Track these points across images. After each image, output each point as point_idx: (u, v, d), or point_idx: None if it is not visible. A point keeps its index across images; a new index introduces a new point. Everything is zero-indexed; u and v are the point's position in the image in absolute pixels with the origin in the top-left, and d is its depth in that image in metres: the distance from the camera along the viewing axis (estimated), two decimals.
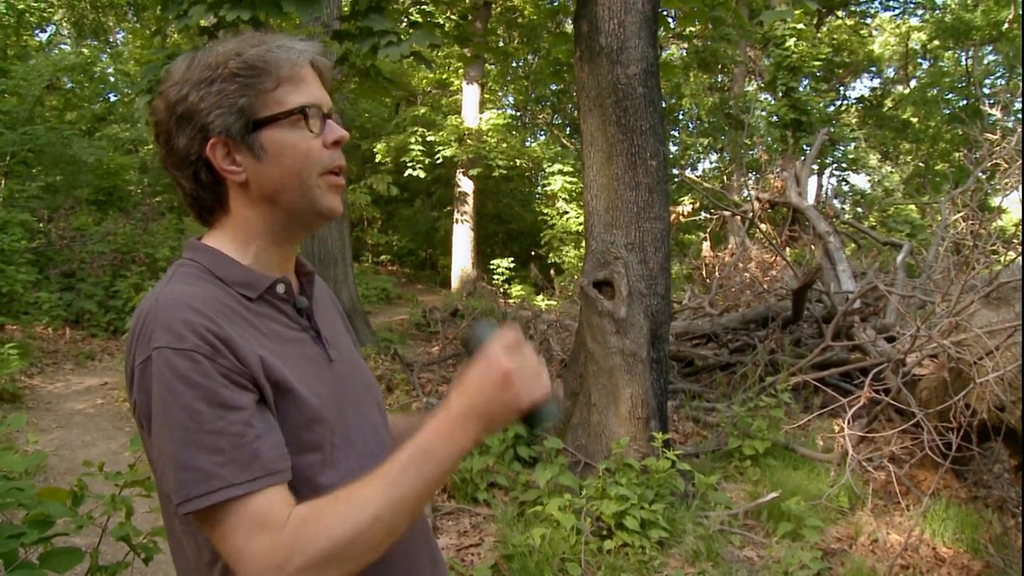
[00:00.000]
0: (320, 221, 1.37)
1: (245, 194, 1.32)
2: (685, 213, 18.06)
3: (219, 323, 1.18)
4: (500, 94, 26.41)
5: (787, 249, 13.92)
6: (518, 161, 20.54)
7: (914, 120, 27.95)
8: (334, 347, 1.42)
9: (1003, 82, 24.96)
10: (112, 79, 20.63)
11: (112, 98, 20.83)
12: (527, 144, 22.60)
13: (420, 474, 1.17)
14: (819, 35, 24.27)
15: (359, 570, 1.15)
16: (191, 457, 1.12)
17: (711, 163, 29.15)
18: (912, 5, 27.92)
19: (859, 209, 24.43)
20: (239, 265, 1.32)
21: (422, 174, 20.37)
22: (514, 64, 25.26)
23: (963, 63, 27.85)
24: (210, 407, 1.13)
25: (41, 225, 12.54)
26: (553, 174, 20.34)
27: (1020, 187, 8.54)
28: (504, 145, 19.78)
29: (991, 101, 23.21)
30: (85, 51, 20.91)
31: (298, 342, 1.34)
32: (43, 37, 23.26)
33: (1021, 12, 22.16)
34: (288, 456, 1.20)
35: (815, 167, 22.46)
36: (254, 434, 1.15)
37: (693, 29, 20.53)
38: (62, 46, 23.42)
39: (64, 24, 24.17)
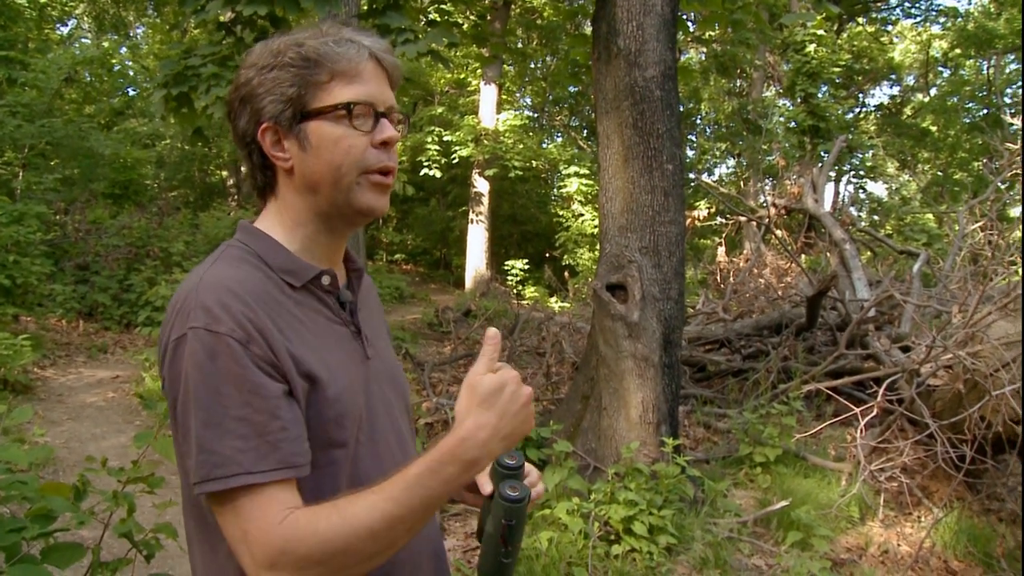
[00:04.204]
0: (360, 219, 1.37)
1: (291, 181, 1.34)
2: (701, 218, 17.98)
3: (256, 311, 1.20)
4: (518, 95, 26.40)
5: (802, 256, 13.83)
6: (534, 162, 20.53)
7: (933, 129, 27.78)
8: (372, 345, 1.42)
9: None
10: (131, 73, 20.71)
11: (131, 92, 20.92)
12: (544, 146, 22.56)
13: (424, 493, 1.16)
14: (839, 41, 24.17)
15: None
16: (214, 440, 1.14)
17: (728, 168, 29.08)
18: (934, 13, 27.81)
19: (876, 217, 24.26)
20: (287, 252, 1.33)
21: (438, 173, 20.39)
22: (532, 65, 25.26)
23: (984, 72, 27.65)
24: (239, 392, 1.14)
25: (57, 217, 12.60)
26: (569, 176, 20.32)
27: (1021, 199, 8.47)
28: (520, 146, 19.78)
29: (1012, 110, 23.02)
30: (105, 44, 20.99)
31: (336, 336, 1.35)
32: (64, 31, 23.40)
33: (1022, 15, 21.99)
34: (309, 452, 1.21)
35: (832, 174, 22.37)
36: (279, 425, 1.16)
37: (712, 33, 20.48)
38: (83, 40, 23.52)
39: (85, 18, 24.30)
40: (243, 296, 1.19)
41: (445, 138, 20.12)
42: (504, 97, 22.46)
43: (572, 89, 25.26)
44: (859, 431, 5.60)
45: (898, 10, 28.00)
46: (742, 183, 24.35)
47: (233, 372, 1.14)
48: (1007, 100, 25.68)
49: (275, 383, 1.17)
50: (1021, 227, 9.06)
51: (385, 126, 1.32)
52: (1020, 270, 7.41)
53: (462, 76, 23.41)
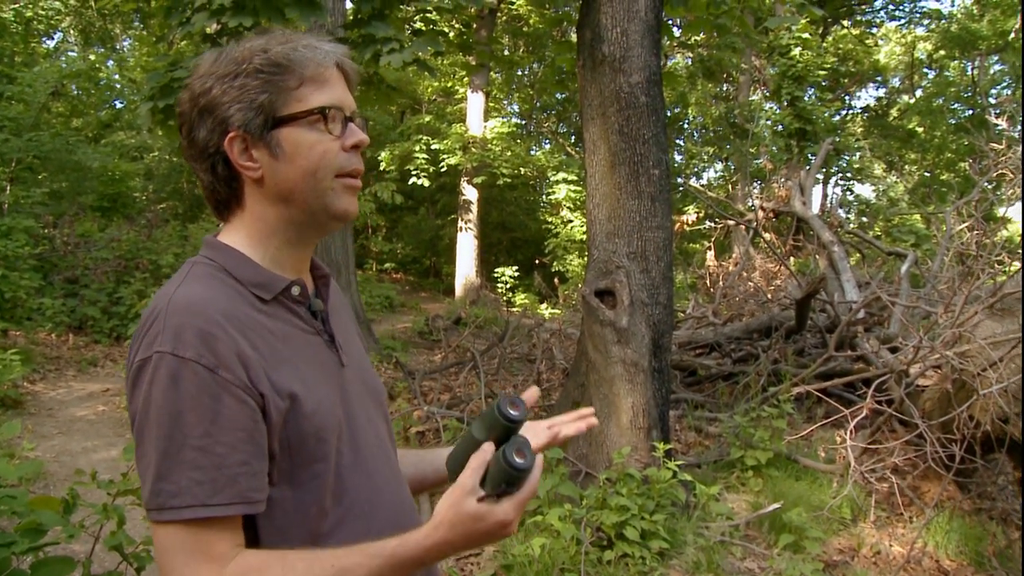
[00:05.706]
0: (334, 224, 1.35)
1: (260, 191, 1.31)
2: (690, 222, 18.04)
3: (230, 332, 1.17)
4: (505, 102, 26.40)
5: (791, 258, 13.88)
6: (523, 169, 20.53)
7: (919, 130, 27.87)
8: (346, 352, 1.41)
9: (1009, 92, 24.88)
10: (118, 86, 20.68)
11: (118, 105, 20.88)
12: (532, 152, 22.59)
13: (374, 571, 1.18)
14: (824, 44, 24.27)
15: None
16: (170, 469, 1.12)
17: (716, 172, 29.16)
18: (918, 15, 27.95)
19: (864, 219, 24.36)
20: (255, 265, 1.30)
21: (426, 182, 20.37)
22: (519, 72, 25.29)
23: (969, 73, 27.80)
24: (200, 421, 1.12)
25: (45, 231, 12.56)
26: (558, 183, 20.34)
27: (1021, 199, 8.51)
28: (509, 153, 19.78)
29: (997, 111, 23.13)
30: (92, 57, 20.95)
31: (311, 346, 1.33)
32: (50, 44, 23.33)
33: (1021, 20, 22.11)
34: (267, 489, 1.20)
35: (820, 176, 22.44)
36: (239, 459, 1.15)
37: (698, 38, 20.54)
38: (69, 53, 23.46)
39: (71, 31, 24.22)
40: (214, 317, 1.18)
41: (433, 146, 20.10)
42: (491, 105, 22.47)
43: (559, 96, 25.32)
44: (849, 432, 5.62)
45: (882, 13, 28.12)
46: (730, 187, 24.43)
47: (197, 400, 1.13)
48: (992, 101, 25.80)
49: (245, 409, 1.16)
50: (1021, 227, 9.10)
51: (354, 130, 1.33)
52: (1009, 269, 7.44)
53: (449, 84, 23.41)
